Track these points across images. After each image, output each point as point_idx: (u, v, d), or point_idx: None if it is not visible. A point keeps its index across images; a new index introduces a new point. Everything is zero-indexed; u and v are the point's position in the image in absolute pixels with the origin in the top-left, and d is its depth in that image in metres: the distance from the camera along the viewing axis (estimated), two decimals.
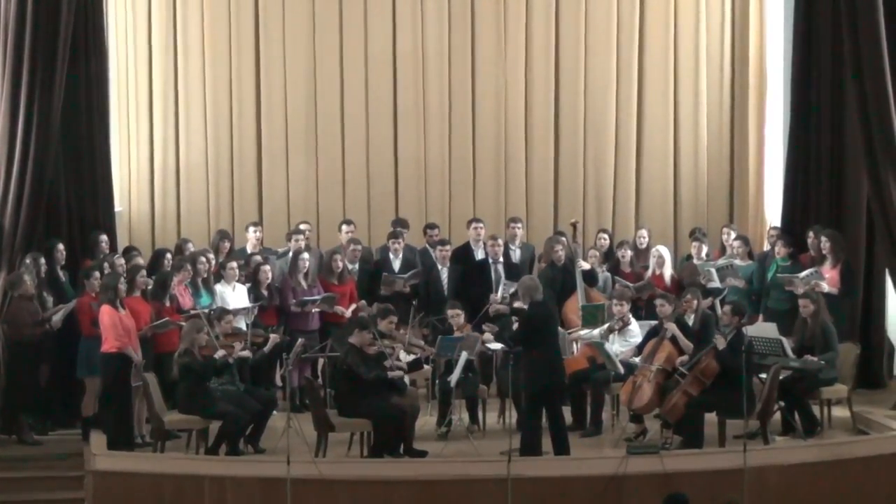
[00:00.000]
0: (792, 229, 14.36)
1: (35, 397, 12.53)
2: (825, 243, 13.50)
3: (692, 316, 12.54)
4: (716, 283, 13.79)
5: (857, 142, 13.80)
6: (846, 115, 14.11)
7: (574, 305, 13.46)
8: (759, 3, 15.94)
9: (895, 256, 13.54)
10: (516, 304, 12.36)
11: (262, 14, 15.67)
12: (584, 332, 12.99)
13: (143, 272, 12.67)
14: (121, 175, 15.28)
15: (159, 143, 15.64)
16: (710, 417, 11.84)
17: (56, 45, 12.97)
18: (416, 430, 12.00)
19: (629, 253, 14.39)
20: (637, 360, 12.29)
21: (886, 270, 13.91)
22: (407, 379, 12.23)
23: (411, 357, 12.73)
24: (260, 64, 15.70)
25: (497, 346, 12.47)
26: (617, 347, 12.60)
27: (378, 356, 11.92)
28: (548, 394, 11.55)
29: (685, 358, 12.03)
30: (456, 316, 12.92)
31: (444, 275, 14.14)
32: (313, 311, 13.53)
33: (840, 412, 12.72)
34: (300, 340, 12.58)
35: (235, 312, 12.81)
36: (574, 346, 13.12)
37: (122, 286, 12.15)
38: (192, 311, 12.59)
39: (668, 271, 14.05)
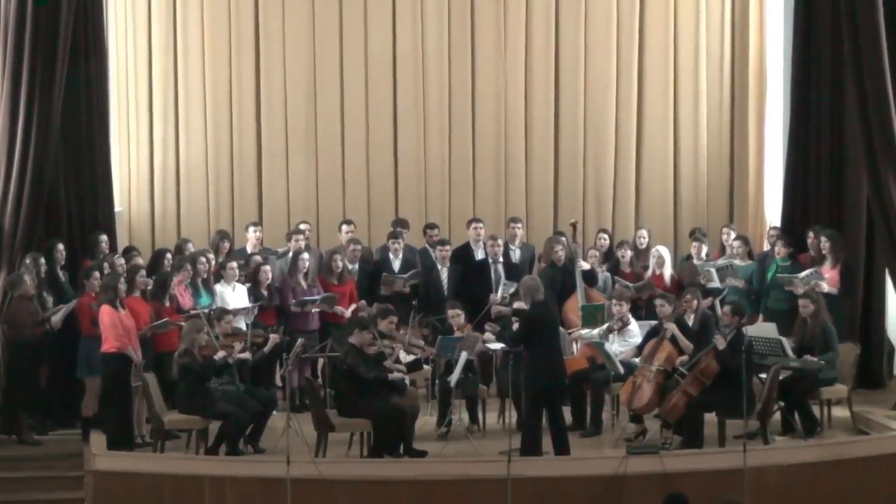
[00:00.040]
0: (792, 229, 14.37)
1: (35, 397, 12.53)
2: (825, 243, 13.51)
3: (692, 316, 12.54)
4: (716, 283, 13.79)
5: (857, 142, 13.80)
6: (846, 115, 14.12)
7: (574, 305, 13.46)
8: (759, 3, 15.93)
9: (895, 256, 13.54)
10: (517, 304, 12.36)
11: (262, 14, 15.66)
12: (583, 331, 12.99)
13: (143, 272, 12.67)
14: (121, 175, 15.28)
15: (159, 143, 15.64)
16: (710, 417, 11.85)
17: (56, 45, 12.97)
18: (416, 430, 12.00)
19: (629, 253, 14.40)
20: (637, 360, 12.29)
21: (886, 270, 13.91)
22: (407, 379, 12.23)
23: (411, 357, 12.73)
24: (260, 64, 15.70)
25: (497, 345, 12.48)
26: (616, 347, 12.60)
27: (378, 356, 11.92)
28: (549, 394, 11.55)
29: (685, 358, 12.03)
30: (456, 316, 12.92)
31: (444, 275, 14.14)
32: (313, 311, 13.52)
33: (840, 412, 12.72)
34: (300, 340, 12.58)
35: (235, 312, 12.81)
36: (574, 346, 13.13)
37: (122, 286, 12.15)
38: (192, 311, 12.59)
39: (667, 271, 14.05)
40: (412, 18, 15.74)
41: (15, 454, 12.18)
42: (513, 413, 11.85)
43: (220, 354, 11.91)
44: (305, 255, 13.75)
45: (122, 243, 14.35)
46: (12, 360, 12.41)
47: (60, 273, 12.98)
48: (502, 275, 13.89)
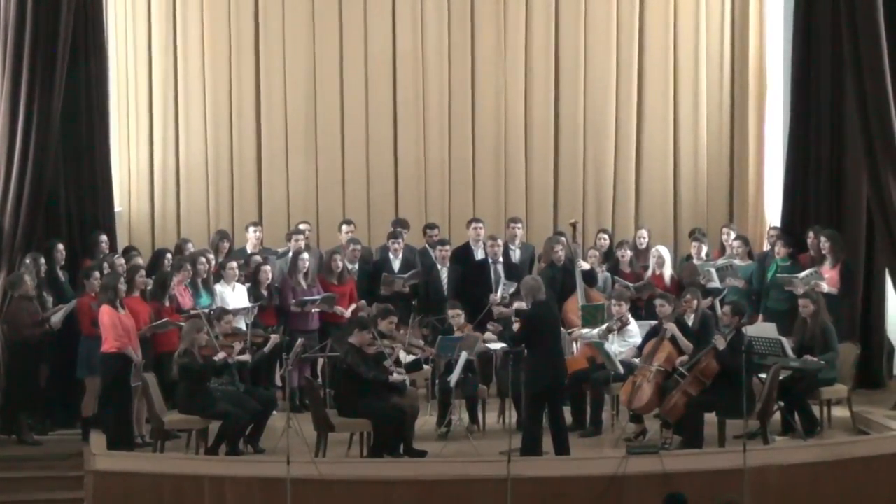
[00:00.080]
0: (792, 229, 14.36)
1: (35, 397, 12.53)
2: (825, 243, 13.51)
3: (692, 316, 12.54)
4: (715, 283, 13.79)
5: (857, 142, 13.80)
6: (846, 115, 14.11)
7: (574, 305, 13.46)
8: (759, 3, 15.93)
9: (895, 256, 13.54)
10: (518, 304, 12.35)
11: (262, 14, 15.66)
12: (583, 331, 12.99)
13: (143, 272, 12.66)
14: (121, 175, 15.28)
15: (159, 143, 15.63)
16: (710, 417, 11.84)
17: (56, 45, 12.96)
18: (415, 430, 12.00)
19: (629, 253, 14.39)
20: (637, 360, 12.29)
21: (886, 270, 13.91)
22: (407, 379, 12.22)
23: (411, 357, 12.73)
24: (260, 64, 15.69)
25: (497, 345, 12.48)
26: (616, 347, 12.60)
27: (378, 356, 11.92)
28: (549, 394, 11.55)
29: (685, 358, 12.03)
30: (456, 316, 12.92)
31: (444, 275, 14.13)
32: (313, 311, 13.52)
33: (840, 412, 12.72)
34: (300, 340, 12.58)
35: (235, 312, 12.81)
36: (574, 346, 13.13)
37: (122, 286, 12.15)
38: (192, 311, 12.59)
39: (667, 271, 14.05)
40: (412, 19, 15.73)
41: (15, 454, 12.17)
42: (513, 413, 11.85)
43: (220, 355, 11.91)
44: (305, 255, 13.75)
45: (122, 243, 14.35)
46: (12, 360, 12.41)
47: (60, 273, 12.98)
48: (502, 275, 13.88)
